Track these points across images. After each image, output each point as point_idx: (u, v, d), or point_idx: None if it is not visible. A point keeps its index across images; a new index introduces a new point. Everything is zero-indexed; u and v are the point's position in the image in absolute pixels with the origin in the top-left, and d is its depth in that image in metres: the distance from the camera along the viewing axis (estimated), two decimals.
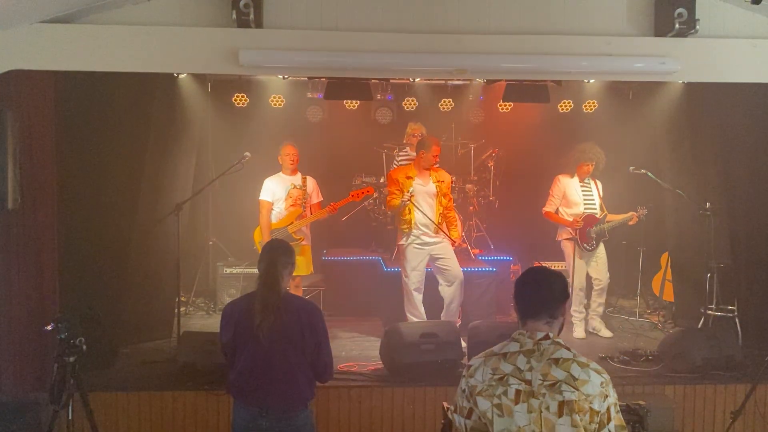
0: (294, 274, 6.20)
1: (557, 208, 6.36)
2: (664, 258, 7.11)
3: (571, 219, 6.22)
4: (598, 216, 6.22)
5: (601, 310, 6.34)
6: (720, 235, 6.06)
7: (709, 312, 5.95)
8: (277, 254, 3.26)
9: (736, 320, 5.85)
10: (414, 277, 5.84)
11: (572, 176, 6.32)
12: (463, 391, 2.26)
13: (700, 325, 5.94)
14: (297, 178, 6.09)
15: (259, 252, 3.40)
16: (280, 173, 6.09)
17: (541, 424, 2.11)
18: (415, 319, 5.82)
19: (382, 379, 5.05)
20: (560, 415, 2.11)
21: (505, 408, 2.14)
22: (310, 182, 6.16)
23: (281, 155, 6.03)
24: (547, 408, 2.12)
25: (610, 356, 5.52)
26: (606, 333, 6.27)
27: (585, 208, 6.24)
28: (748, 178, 6.09)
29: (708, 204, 5.83)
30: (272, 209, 5.98)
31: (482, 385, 2.19)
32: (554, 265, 7.65)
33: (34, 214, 4.93)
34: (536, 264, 7.48)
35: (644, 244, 7.13)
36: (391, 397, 4.84)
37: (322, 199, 6.21)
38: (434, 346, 5.05)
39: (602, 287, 6.27)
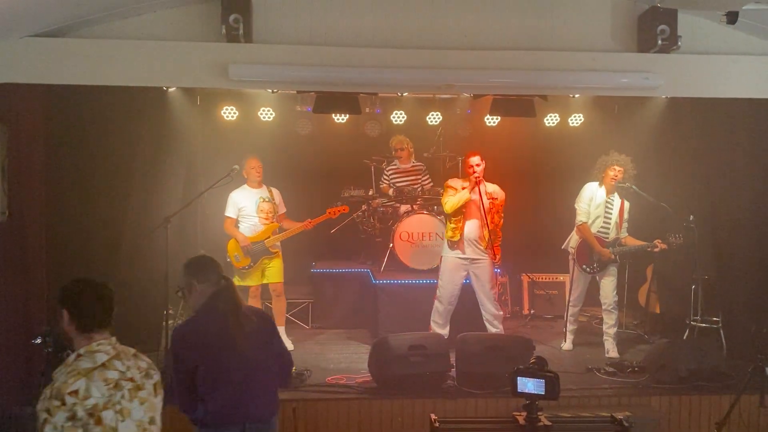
0: (270, 281, 6.16)
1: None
2: (650, 269, 7.19)
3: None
4: (607, 239, 6.02)
5: (611, 331, 6.05)
6: (704, 247, 6.14)
7: (694, 323, 6.02)
8: (220, 269, 3.19)
9: (721, 331, 5.92)
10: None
11: (600, 185, 6.07)
12: (79, 419, 2.31)
13: (685, 336, 6.02)
14: (264, 191, 6.17)
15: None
16: (245, 186, 6.15)
17: (153, 409, 2.53)
18: (440, 331, 5.91)
19: (370, 391, 5.06)
20: (156, 395, 2.57)
21: (125, 411, 2.43)
22: (276, 194, 6.26)
23: (246, 169, 6.11)
24: (150, 393, 2.53)
25: (596, 368, 5.56)
26: (614, 354, 5.97)
27: (599, 227, 6.02)
28: (730, 190, 6.17)
29: (692, 217, 5.90)
30: (239, 223, 6.09)
31: (103, 399, 2.38)
32: (545, 278, 7.72)
33: (23, 226, 4.92)
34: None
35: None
36: (380, 410, 4.86)
37: (285, 210, 6.31)
38: (423, 358, 5.06)
39: (607, 308, 6.04)
